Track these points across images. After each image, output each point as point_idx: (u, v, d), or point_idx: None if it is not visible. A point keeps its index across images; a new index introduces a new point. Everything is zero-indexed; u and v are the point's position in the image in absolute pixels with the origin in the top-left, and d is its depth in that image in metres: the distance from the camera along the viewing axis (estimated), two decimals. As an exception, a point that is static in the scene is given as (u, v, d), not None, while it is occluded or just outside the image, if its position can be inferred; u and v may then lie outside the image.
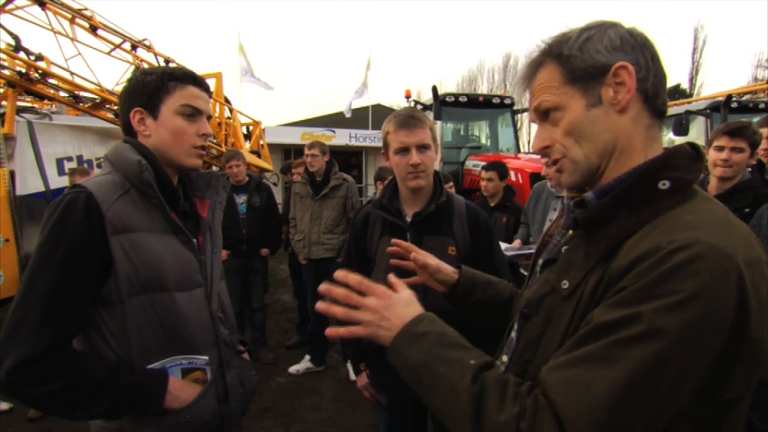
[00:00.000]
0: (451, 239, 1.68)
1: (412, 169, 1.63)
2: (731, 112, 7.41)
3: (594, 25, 0.82)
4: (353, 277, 0.86)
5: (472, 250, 1.70)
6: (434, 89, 6.92)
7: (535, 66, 0.86)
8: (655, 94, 0.79)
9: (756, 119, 8.26)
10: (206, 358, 1.21)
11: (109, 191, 1.10)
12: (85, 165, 4.91)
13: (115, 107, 5.14)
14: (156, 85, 1.18)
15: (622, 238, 0.73)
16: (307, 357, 4.16)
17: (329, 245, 3.91)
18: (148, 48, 5.39)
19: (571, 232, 0.88)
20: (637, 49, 0.78)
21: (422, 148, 1.63)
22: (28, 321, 0.99)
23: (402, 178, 1.69)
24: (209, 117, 1.29)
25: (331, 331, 0.85)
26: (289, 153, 15.01)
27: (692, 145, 0.81)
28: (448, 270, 1.25)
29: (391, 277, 0.91)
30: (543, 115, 0.85)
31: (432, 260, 1.25)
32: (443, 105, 6.99)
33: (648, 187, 0.74)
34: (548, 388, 0.66)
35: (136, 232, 1.10)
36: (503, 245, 3.03)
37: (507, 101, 7.58)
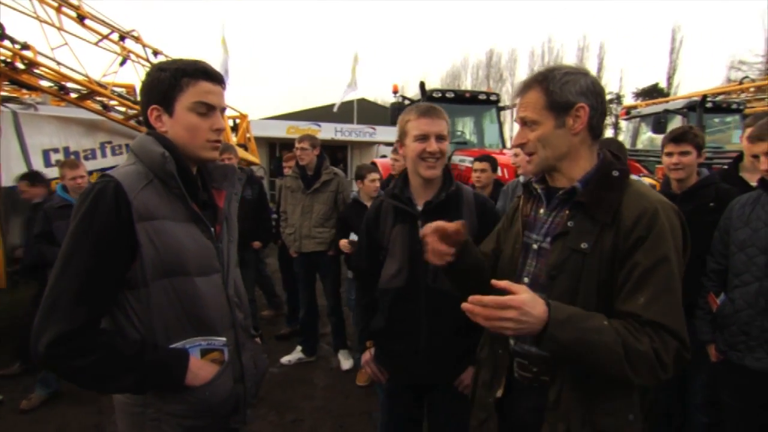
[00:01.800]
0: None
1: (429, 156, 1.71)
2: (706, 112, 7.68)
3: (573, 71, 1.21)
4: (489, 299, 1.00)
5: (479, 236, 1.74)
6: (422, 85, 7.01)
7: (528, 86, 1.25)
8: (597, 126, 1.23)
9: (729, 119, 8.56)
10: (224, 339, 1.29)
11: (135, 181, 1.17)
12: (72, 157, 4.86)
13: (103, 99, 5.10)
14: (169, 83, 1.22)
15: (615, 207, 1.14)
16: (299, 348, 4.23)
17: (320, 239, 3.97)
18: (137, 39, 5.33)
19: (567, 211, 1.22)
20: (594, 96, 1.20)
21: (440, 138, 1.72)
22: (63, 300, 1.08)
23: (416, 166, 1.75)
24: (223, 109, 1.34)
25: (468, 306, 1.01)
26: (275, 147, 14.92)
27: (611, 151, 1.28)
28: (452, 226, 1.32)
29: (506, 284, 1.05)
30: (524, 122, 1.26)
31: (439, 223, 1.32)
32: (430, 100, 7.08)
33: (608, 176, 1.21)
34: (654, 317, 1.06)
35: (159, 220, 1.17)
36: None
37: (493, 98, 7.70)
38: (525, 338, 1.28)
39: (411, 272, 1.75)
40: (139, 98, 1.33)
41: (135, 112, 5.28)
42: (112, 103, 5.27)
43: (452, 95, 7.34)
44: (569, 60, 33.28)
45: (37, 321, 1.08)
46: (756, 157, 2.13)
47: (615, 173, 1.20)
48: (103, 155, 5.21)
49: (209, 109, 1.27)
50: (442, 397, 1.86)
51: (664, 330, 1.06)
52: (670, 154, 2.43)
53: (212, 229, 1.31)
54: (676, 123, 8.15)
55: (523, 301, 1.00)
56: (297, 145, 3.95)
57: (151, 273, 1.15)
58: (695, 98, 8.30)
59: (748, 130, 2.40)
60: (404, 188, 1.84)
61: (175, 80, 1.23)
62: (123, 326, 1.17)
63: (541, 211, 1.32)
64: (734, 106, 8.45)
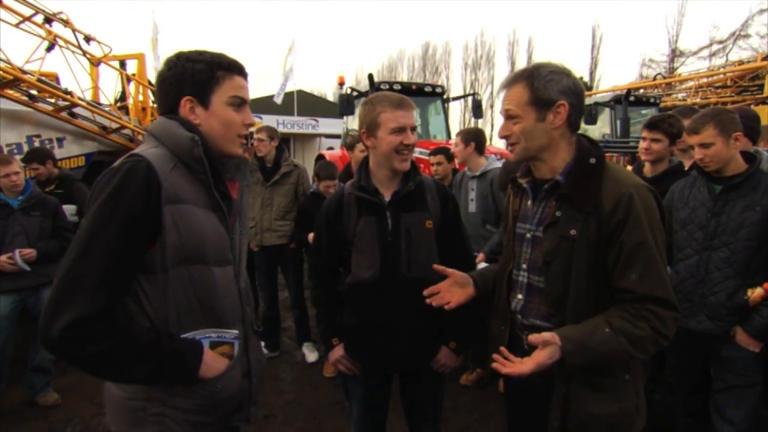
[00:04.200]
0: (427, 213, 1.81)
1: (405, 148, 1.72)
2: (630, 105, 8.42)
3: (557, 70, 1.32)
4: (520, 371, 1.22)
5: (443, 221, 1.85)
6: (370, 77, 7.06)
7: (514, 80, 1.36)
8: (575, 122, 1.35)
9: (645, 111, 9.40)
10: (236, 332, 1.26)
11: (164, 162, 1.14)
12: (6, 152, 4.38)
13: (27, 88, 4.64)
14: (207, 75, 1.22)
15: (596, 195, 1.27)
16: (261, 343, 4.15)
17: (281, 232, 3.91)
18: (66, 23, 4.89)
19: (554, 202, 1.35)
20: (574, 95, 1.32)
21: (413, 130, 1.74)
22: (85, 282, 1.02)
23: (389, 159, 1.74)
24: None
25: (508, 369, 1.24)
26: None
27: (585, 137, 1.41)
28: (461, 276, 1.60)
29: (536, 339, 1.23)
30: (508, 115, 1.36)
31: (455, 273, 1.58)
32: (377, 92, 7.12)
33: (586, 164, 1.32)
34: (647, 291, 1.22)
35: (185, 204, 1.15)
36: None
37: (438, 90, 7.92)
38: (533, 313, 1.42)
39: (384, 264, 1.76)
40: (158, 87, 1.27)
41: (67, 103, 4.85)
42: (39, 93, 4.80)
43: (399, 87, 7.43)
44: (501, 54, 34.64)
45: (51, 304, 1.01)
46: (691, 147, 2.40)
47: (592, 160, 1.33)
48: (31, 150, 4.75)
49: (242, 103, 1.28)
50: (419, 378, 1.91)
51: (657, 302, 1.23)
52: (644, 139, 2.69)
53: (228, 219, 1.29)
54: (605, 114, 8.83)
55: (546, 358, 1.21)
56: (255, 136, 3.85)
57: (172, 259, 1.11)
58: (620, 92, 9.06)
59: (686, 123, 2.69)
60: (368, 179, 1.82)
61: (211, 72, 1.22)
62: (133, 313, 1.11)
63: (529, 203, 1.45)
64: (652, 100, 9.32)
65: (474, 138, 3.50)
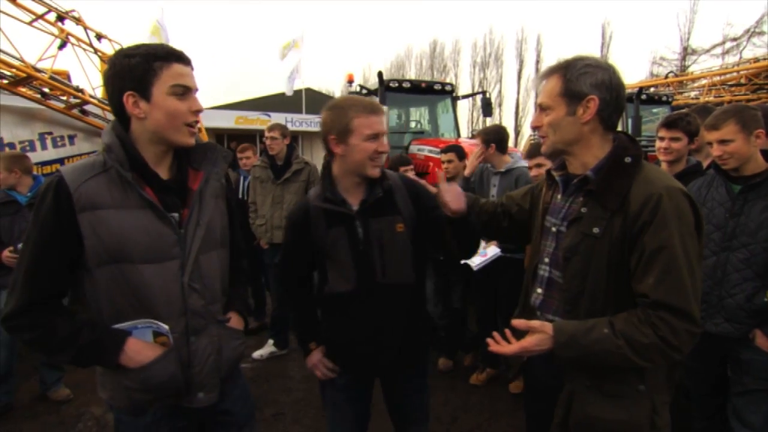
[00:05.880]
0: (397, 216, 1.71)
1: (377, 156, 1.62)
2: (642, 103, 8.30)
3: (594, 63, 1.28)
4: (512, 350, 1.27)
5: (417, 218, 1.75)
6: (380, 75, 7.02)
7: (551, 71, 1.34)
8: (609, 118, 1.30)
9: (656, 110, 9.27)
10: (167, 327, 1.29)
11: (82, 173, 1.23)
12: (7, 148, 4.42)
13: (40, 85, 4.68)
14: (143, 68, 1.22)
15: (624, 194, 1.23)
16: (270, 341, 4.16)
17: (291, 229, 3.90)
18: (77, 20, 4.92)
19: (582, 198, 1.33)
20: (608, 91, 1.27)
21: (384, 135, 1.64)
22: (17, 281, 1.23)
23: (362, 167, 1.63)
24: (197, 91, 1.33)
25: (495, 348, 1.29)
26: (222, 138, 14.36)
27: (625, 134, 1.36)
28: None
29: (523, 324, 1.27)
30: (540, 107, 1.36)
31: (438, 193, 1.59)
32: (388, 90, 7.10)
33: (620, 162, 1.28)
34: (660, 297, 1.16)
35: (103, 209, 1.22)
36: (476, 260, 3.19)
37: (447, 88, 7.86)
38: (548, 309, 1.40)
39: (358, 273, 1.68)
40: (104, 88, 1.31)
41: (78, 101, 4.88)
42: (51, 91, 4.84)
43: (408, 85, 7.41)
44: (510, 53, 34.42)
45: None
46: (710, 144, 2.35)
47: (628, 159, 1.28)
48: (44, 147, 4.80)
49: (186, 91, 1.28)
50: (404, 379, 1.85)
51: (671, 310, 1.16)
52: (662, 139, 2.60)
53: (175, 214, 1.31)
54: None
55: (534, 343, 1.24)
56: (267, 134, 3.85)
57: (94, 260, 1.22)
58: (631, 91, 8.94)
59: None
60: (334, 189, 1.70)
61: (148, 64, 1.22)
62: (59, 309, 1.28)
63: (559, 197, 1.43)
64: (664, 98, 9.19)
65: (494, 139, 3.40)
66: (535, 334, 1.24)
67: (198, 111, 1.32)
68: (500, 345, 1.28)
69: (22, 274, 1.22)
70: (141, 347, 1.27)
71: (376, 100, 6.86)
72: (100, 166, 1.25)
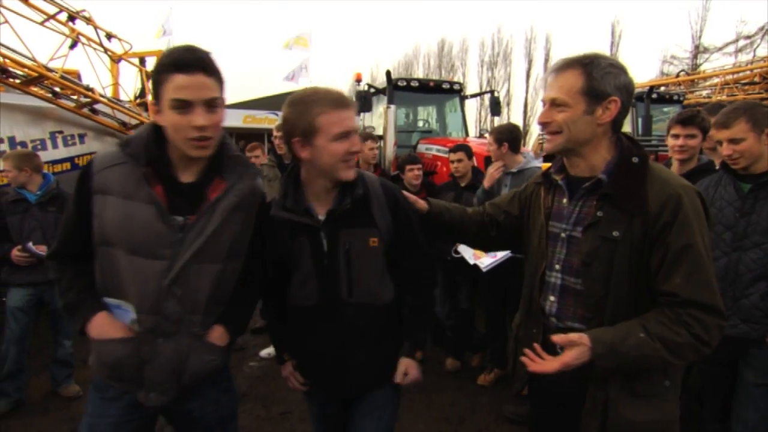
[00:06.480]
0: (372, 229, 1.52)
1: (350, 157, 1.44)
2: (652, 102, 8.19)
3: (617, 65, 1.26)
4: (552, 367, 1.23)
5: (395, 233, 1.56)
6: (388, 73, 6.98)
7: (568, 65, 1.27)
8: (619, 121, 1.29)
9: (667, 109, 9.12)
10: (134, 316, 1.34)
11: (107, 160, 1.34)
12: (19, 147, 4.47)
13: (51, 84, 4.73)
14: (156, 78, 1.24)
15: (641, 195, 1.21)
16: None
17: (299, 228, 3.89)
18: (88, 20, 4.97)
19: (596, 201, 1.29)
20: (627, 94, 1.26)
21: (356, 132, 1.46)
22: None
23: (335, 170, 1.44)
24: (213, 100, 1.24)
25: (535, 367, 1.26)
26: (231, 137, 14.39)
27: (626, 135, 1.34)
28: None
29: (563, 339, 1.24)
30: (553, 103, 1.28)
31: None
32: (396, 89, 7.07)
33: (628, 163, 1.27)
34: (690, 296, 1.16)
35: (110, 195, 1.31)
36: (485, 260, 3.16)
37: (456, 87, 7.82)
38: (569, 316, 1.36)
39: (321, 289, 1.52)
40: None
41: (88, 100, 4.93)
42: (62, 90, 4.89)
43: (417, 84, 7.39)
44: (518, 52, 34.26)
45: None
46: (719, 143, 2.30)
47: (635, 160, 1.27)
48: (54, 146, 4.84)
49: (185, 105, 1.22)
50: (367, 396, 1.65)
51: (701, 307, 1.17)
52: (676, 137, 2.53)
53: (180, 217, 1.32)
54: (626, 112, 8.59)
55: (573, 358, 1.20)
56: (275, 133, 3.87)
57: (97, 238, 1.34)
58: (641, 89, 8.84)
59: (713, 118, 2.58)
60: (298, 196, 1.51)
61: (157, 75, 1.23)
62: (81, 269, 1.44)
63: (564, 201, 1.38)
64: (675, 97, 9.08)
65: (507, 138, 3.31)
66: (574, 347, 1.20)
67: (201, 126, 1.23)
68: (538, 363, 1.25)
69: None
70: (106, 323, 1.35)
71: (383, 98, 6.87)
72: (118, 158, 1.34)
